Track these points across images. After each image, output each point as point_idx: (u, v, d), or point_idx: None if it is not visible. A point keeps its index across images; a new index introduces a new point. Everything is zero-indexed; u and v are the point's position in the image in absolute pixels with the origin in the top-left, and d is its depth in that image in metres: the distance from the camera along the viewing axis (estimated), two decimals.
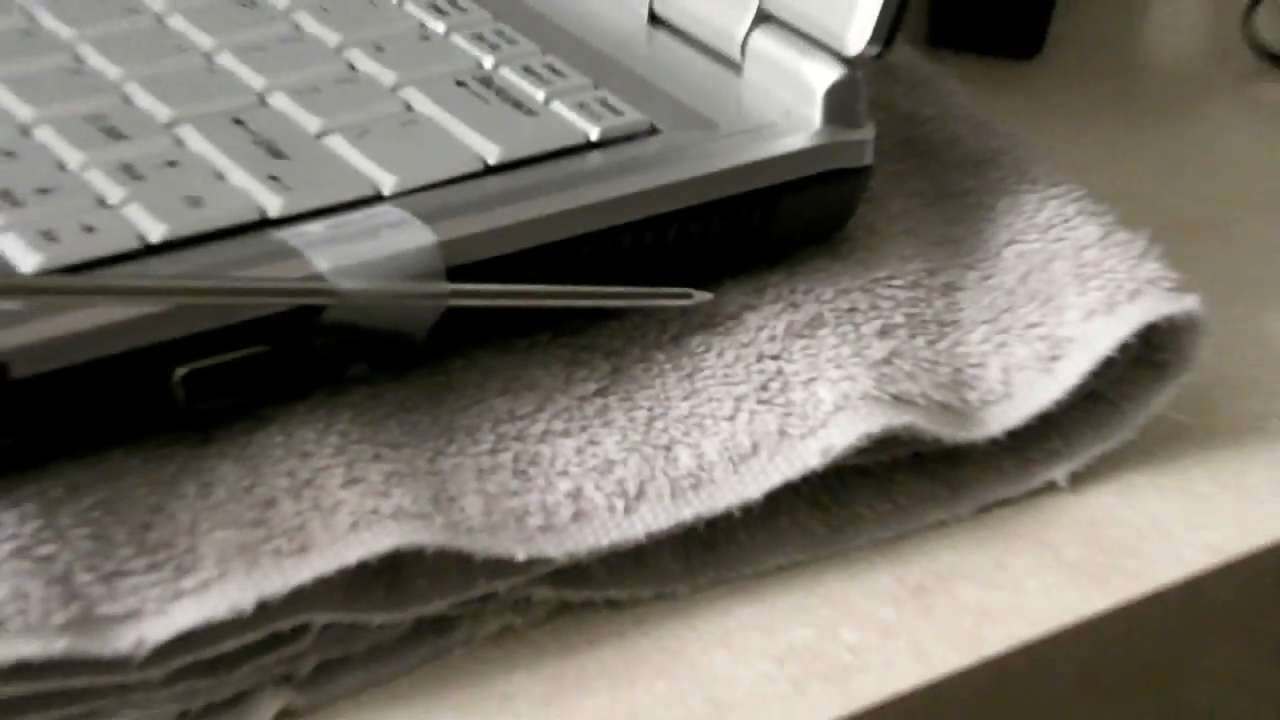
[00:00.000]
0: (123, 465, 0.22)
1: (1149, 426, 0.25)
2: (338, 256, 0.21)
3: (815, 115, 0.26)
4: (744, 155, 0.26)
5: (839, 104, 0.26)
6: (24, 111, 0.26)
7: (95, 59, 0.27)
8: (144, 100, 0.26)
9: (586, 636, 0.22)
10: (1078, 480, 0.25)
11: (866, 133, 0.27)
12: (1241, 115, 0.39)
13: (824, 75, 0.26)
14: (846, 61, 0.26)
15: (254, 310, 0.21)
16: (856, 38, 0.26)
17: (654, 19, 0.30)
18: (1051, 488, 0.25)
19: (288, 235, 0.22)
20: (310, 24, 0.29)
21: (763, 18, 0.27)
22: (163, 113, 0.26)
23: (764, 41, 0.27)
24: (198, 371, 0.22)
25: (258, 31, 0.29)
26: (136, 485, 0.21)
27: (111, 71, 0.27)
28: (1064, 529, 0.24)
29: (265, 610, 0.19)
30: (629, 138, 0.26)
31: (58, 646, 0.19)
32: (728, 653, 0.22)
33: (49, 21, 0.29)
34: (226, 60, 0.27)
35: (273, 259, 0.22)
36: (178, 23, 0.29)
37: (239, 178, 0.23)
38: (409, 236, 0.22)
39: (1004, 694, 0.23)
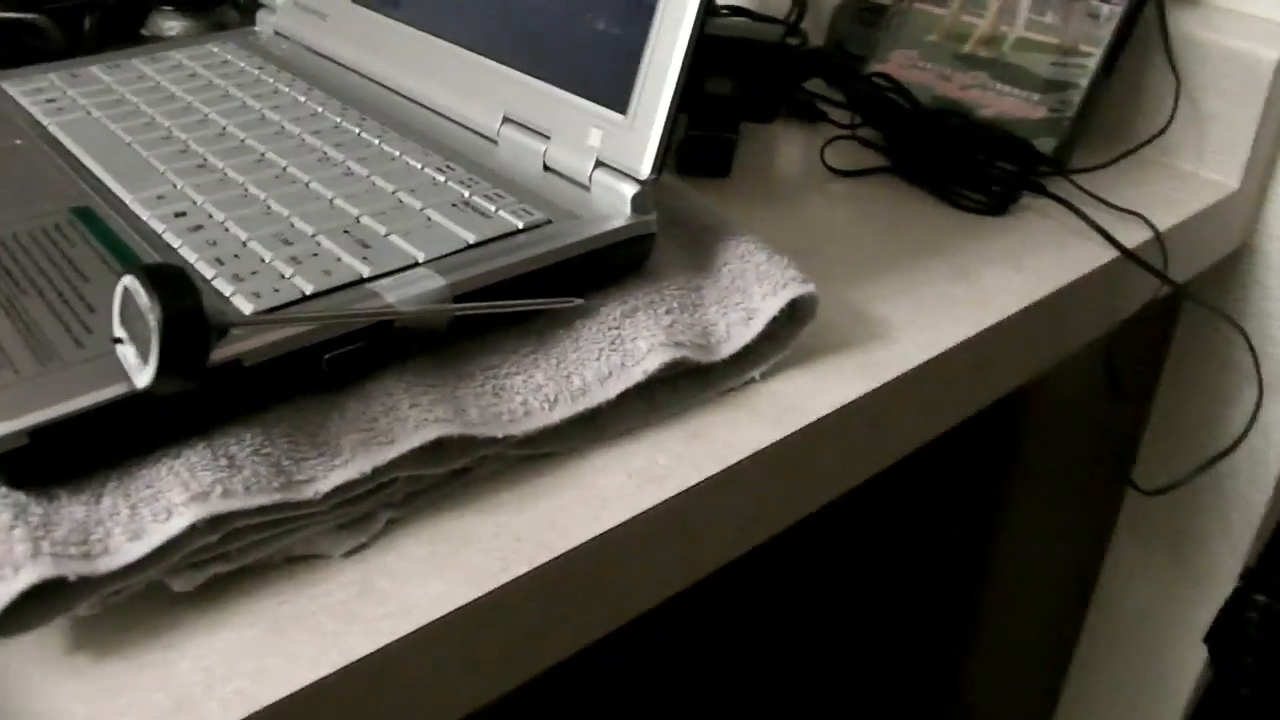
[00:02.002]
0: (300, 406, 0.37)
1: (795, 348, 0.45)
2: (400, 295, 0.39)
3: (626, 209, 0.44)
4: (595, 230, 0.43)
5: (638, 203, 0.44)
6: (222, 216, 0.43)
7: (268, 199, 0.45)
8: (300, 222, 0.43)
9: (536, 473, 0.39)
10: (766, 376, 0.45)
11: (652, 217, 0.45)
12: (822, 199, 0.63)
13: (629, 189, 0.44)
14: (640, 182, 0.44)
15: (361, 324, 0.38)
16: (645, 169, 0.44)
17: (546, 168, 0.48)
18: (753, 381, 0.44)
19: (374, 286, 0.39)
20: (378, 178, 0.46)
21: (598, 164, 0.45)
22: (309, 228, 0.42)
23: (600, 175, 0.46)
24: (335, 357, 0.38)
25: (354, 185, 0.46)
26: (307, 415, 0.37)
27: (276, 207, 0.44)
28: (761, 398, 0.44)
29: (376, 472, 0.36)
30: (538, 226, 0.43)
31: (275, 498, 0.34)
32: (604, 475, 0.39)
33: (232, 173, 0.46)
34: (340, 201, 0.45)
35: (366, 298, 0.39)
36: (296, 171, 0.47)
37: (347, 258, 0.40)
38: (434, 282, 0.39)
39: (735, 482, 0.41)
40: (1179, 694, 0.86)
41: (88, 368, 0.34)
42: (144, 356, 0.32)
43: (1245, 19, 0.67)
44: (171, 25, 0.86)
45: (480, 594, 0.34)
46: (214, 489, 0.33)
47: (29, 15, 0.80)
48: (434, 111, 0.53)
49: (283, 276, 0.40)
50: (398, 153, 0.49)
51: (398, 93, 0.55)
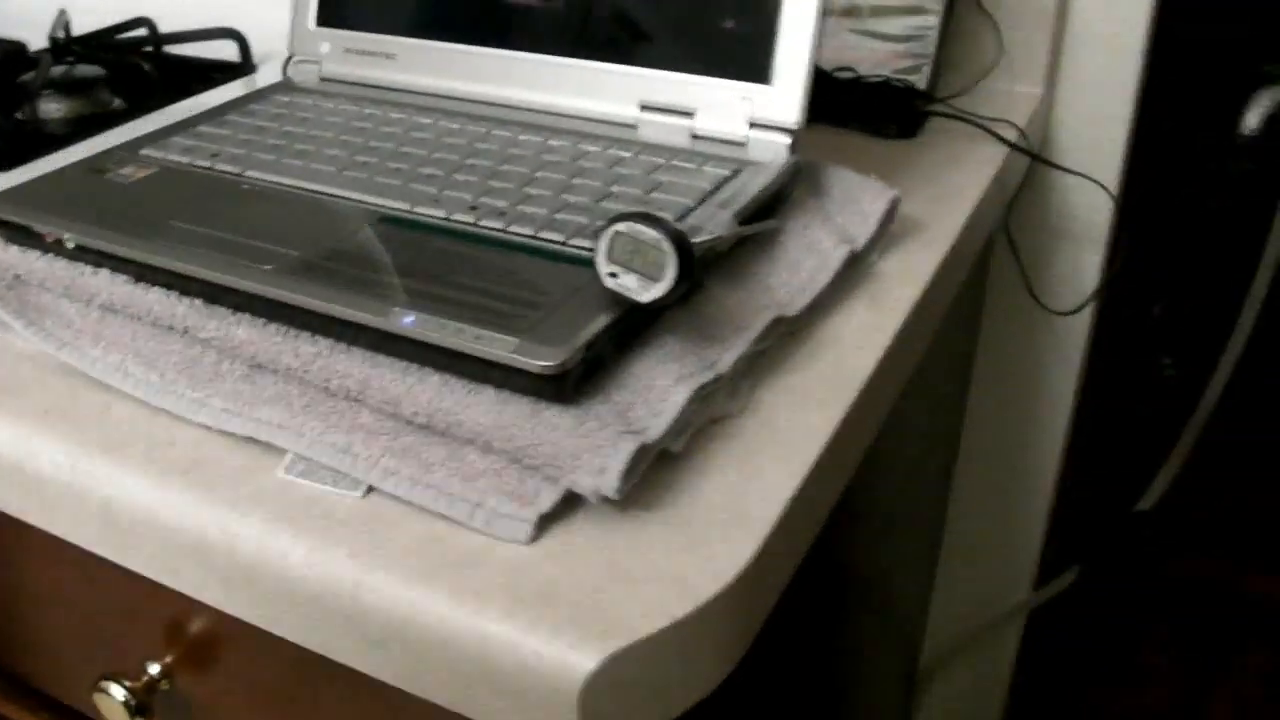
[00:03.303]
0: (686, 308, 0.52)
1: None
2: (716, 225, 0.54)
3: (785, 154, 0.60)
4: (778, 170, 0.59)
5: (794, 148, 0.61)
6: (503, 203, 0.55)
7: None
8: (572, 196, 0.55)
9: (799, 341, 0.57)
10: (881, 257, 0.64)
11: (798, 157, 0.62)
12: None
13: (785, 138, 0.60)
14: (793, 131, 0.61)
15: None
16: (796, 120, 0.61)
17: (694, 136, 0.64)
18: (874, 261, 0.64)
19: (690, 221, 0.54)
20: (584, 161, 0.60)
21: (751, 124, 0.62)
22: (584, 198, 0.55)
23: (755, 133, 0.61)
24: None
25: (569, 168, 0.59)
26: (696, 315, 0.52)
27: (536, 191, 0.56)
28: (878, 275, 0.63)
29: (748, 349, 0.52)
30: (735, 174, 0.58)
31: (709, 375, 0.49)
32: (844, 327, 0.57)
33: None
34: (577, 180, 0.58)
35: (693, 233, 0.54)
36: (515, 167, 0.59)
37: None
38: (726, 213, 0.53)
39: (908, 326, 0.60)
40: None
41: (568, 308, 0.46)
42: (651, 277, 0.45)
43: None
44: (57, 108, 0.90)
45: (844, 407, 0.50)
46: (689, 371, 0.47)
47: None
48: (552, 114, 0.66)
49: None
50: (568, 143, 0.62)
51: (506, 105, 0.67)
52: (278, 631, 0.45)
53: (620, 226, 0.45)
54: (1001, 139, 0.81)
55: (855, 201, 0.62)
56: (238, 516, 0.45)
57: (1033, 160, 0.86)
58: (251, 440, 0.48)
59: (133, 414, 0.51)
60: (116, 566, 0.50)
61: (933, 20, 0.87)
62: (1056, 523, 1.15)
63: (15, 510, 0.52)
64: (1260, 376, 1.20)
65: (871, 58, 0.88)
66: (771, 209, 0.59)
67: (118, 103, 0.90)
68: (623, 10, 0.63)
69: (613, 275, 0.46)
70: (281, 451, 0.47)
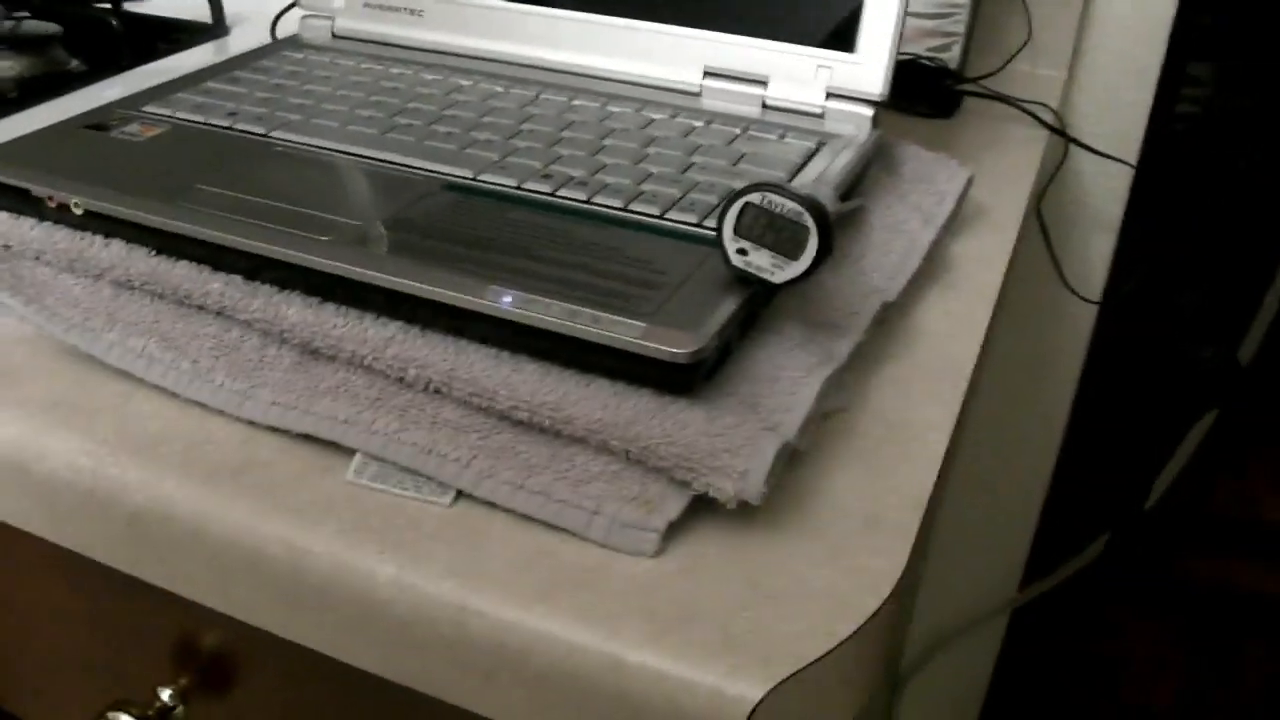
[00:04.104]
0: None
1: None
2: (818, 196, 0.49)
3: (868, 126, 0.56)
4: (864, 142, 0.54)
5: (877, 120, 0.56)
6: (579, 171, 0.48)
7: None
8: (654, 167, 0.49)
9: (902, 313, 0.52)
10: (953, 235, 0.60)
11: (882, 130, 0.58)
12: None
13: (868, 110, 0.56)
14: (877, 103, 0.56)
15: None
16: (880, 91, 0.56)
17: (765, 106, 0.58)
18: (944, 239, 0.59)
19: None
20: (653, 129, 0.54)
21: (830, 95, 0.57)
22: (668, 169, 0.49)
23: (834, 104, 0.56)
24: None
25: (639, 136, 0.54)
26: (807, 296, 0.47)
27: (612, 159, 0.50)
28: (950, 253, 0.59)
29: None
30: (820, 148, 0.53)
31: (833, 366, 0.43)
32: (931, 311, 0.53)
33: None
34: (652, 149, 0.52)
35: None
36: (579, 133, 0.53)
37: (735, 183, 0.49)
38: (827, 187, 0.48)
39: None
40: None
41: (690, 289, 0.41)
42: (787, 254, 0.40)
43: None
44: (8, 66, 0.82)
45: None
46: (814, 361, 0.42)
47: None
48: (603, 78, 0.60)
49: (711, 204, 0.47)
50: (630, 109, 0.56)
51: (550, 69, 0.61)
52: (360, 664, 0.39)
53: (752, 197, 0.40)
54: (1042, 121, 0.78)
55: (929, 180, 0.58)
56: (306, 528, 0.39)
57: (1068, 143, 0.82)
58: (307, 439, 0.42)
59: (158, 407, 0.44)
60: (115, 577, 0.43)
61: None
62: (1047, 522, 1.12)
63: (18, 520, 0.45)
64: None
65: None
66: (854, 186, 0.54)
67: (75, 63, 0.82)
68: None
69: (741, 252, 0.40)
70: (345, 452, 0.41)
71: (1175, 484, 1.03)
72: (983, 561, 1.14)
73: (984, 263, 0.57)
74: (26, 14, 0.84)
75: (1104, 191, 0.92)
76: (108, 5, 0.88)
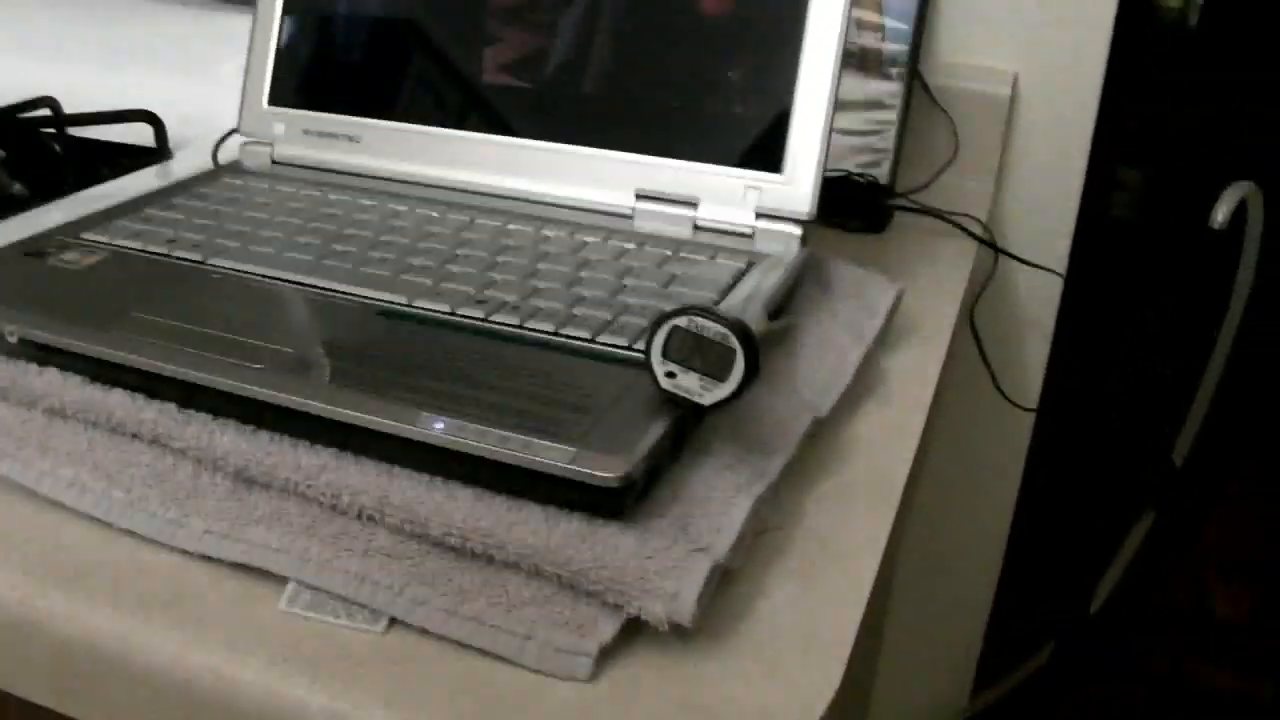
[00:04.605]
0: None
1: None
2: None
3: (796, 245, 0.57)
4: (791, 262, 0.55)
5: (805, 239, 0.58)
6: (514, 296, 0.49)
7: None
8: (586, 290, 0.50)
9: (843, 419, 0.53)
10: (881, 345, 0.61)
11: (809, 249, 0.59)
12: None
13: (796, 229, 0.57)
14: (804, 222, 0.58)
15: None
16: (808, 210, 0.57)
17: (696, 227, 0.59)
18: (873, 350, 0.61)
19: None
20: (586, 253, 0.55)
21: (759, 215, 0.58)
22: (599, 292, 0.50)
23: (763, 224, 0.57)
24: None
25: (572, 259, 0.55)
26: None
27: (545, 284, 0.51)
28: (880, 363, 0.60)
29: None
30: (749, 267, 0.55)
31: (765, 485, 0.44)
32: (863, 420, 0.54)
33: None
34: (584, 272, 0.53)
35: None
36: (513, 258, 0.54)
37: (665, 305, 0.50)
38: (756, 306, 0.50)
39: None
40: None
41: (618, 412, 0.41)
42: (715, 376, 0.41)
43: (980, 70, 0.93)
44: None
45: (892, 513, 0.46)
46: (744, 480, 0.42)
47: None
48: (537, 202, 0.62)
49: (641, 327, 0.48)
50: (564, 233, 0.58)
51: (484, 194, 0.63)
52: None
53: (679, 321, 0.41)
54: (970, 234, 0.80)
55: (859, 296, 0.60)
56: (237, 658, 0.38)
57: (997, 253, 0.85)
58: (242, 568, 0.42)
59: (89, 537, 0.43)
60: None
61: (891, 115, 0.87)
62: (995, 629, 1.13)
63: None
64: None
65: (831, 152, 0.87)
66: (784, 304, 0.56)
67: (18, 187, 0.82)
68: (615, 94, 0.60)
69: (669, 375, 0.41)
70: (279, 580, 0.41)
71: (1122, 582, 1.05)
72: (932, 672, 1.14)
73: (916, 375, 0.59)
74: None
75: (1035, 299, 0.95)
76: (51, 130, 0.89)
